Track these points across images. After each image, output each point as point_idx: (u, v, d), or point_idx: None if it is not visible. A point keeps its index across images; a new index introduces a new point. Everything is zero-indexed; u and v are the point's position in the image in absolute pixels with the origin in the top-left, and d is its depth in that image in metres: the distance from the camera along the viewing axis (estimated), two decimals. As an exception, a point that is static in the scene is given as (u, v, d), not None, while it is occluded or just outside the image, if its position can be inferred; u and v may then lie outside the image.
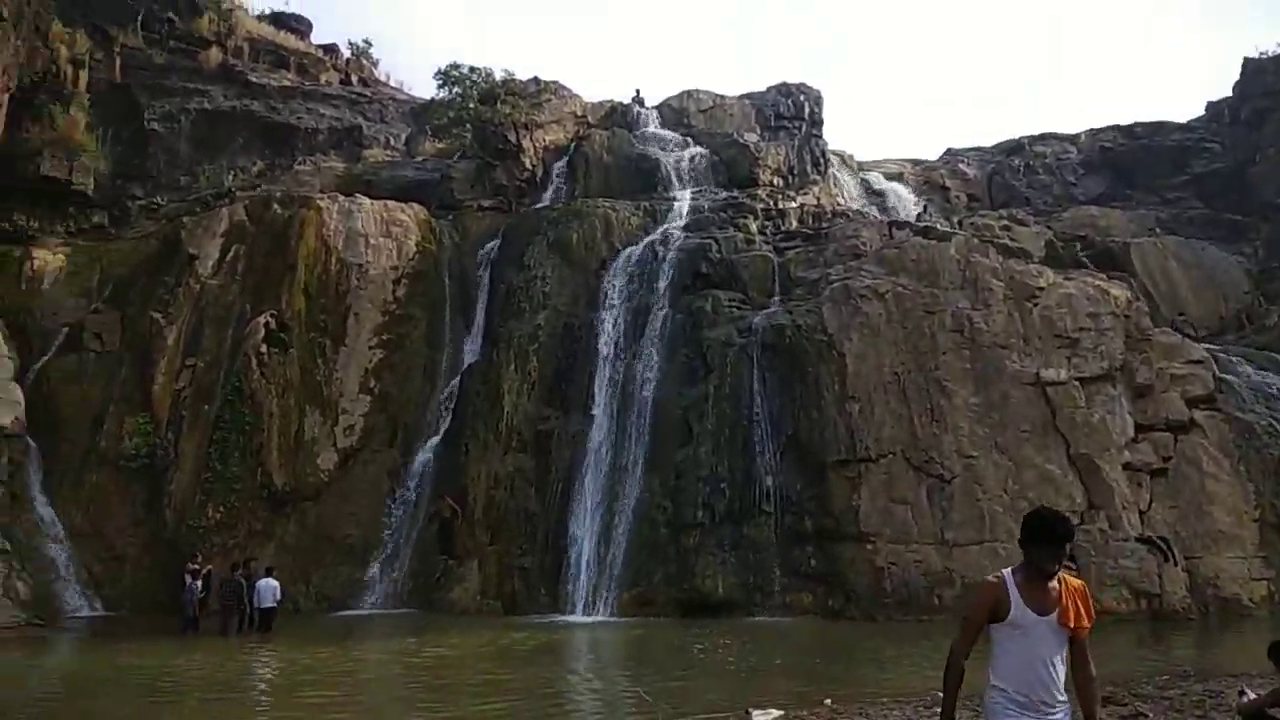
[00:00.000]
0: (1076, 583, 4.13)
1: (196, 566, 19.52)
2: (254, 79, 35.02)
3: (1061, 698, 4.01)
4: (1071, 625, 4.01)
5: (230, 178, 32.57)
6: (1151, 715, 8.90)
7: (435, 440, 24.58)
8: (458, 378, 25.22)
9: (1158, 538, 19.94)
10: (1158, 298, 26.80)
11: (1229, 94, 37.20)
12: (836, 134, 48.74)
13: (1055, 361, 21.54)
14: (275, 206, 27.06)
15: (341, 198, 27.85)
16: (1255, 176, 33.59)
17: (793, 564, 20.01)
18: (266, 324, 24.45)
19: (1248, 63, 36.60)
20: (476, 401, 23.92)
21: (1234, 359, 24.58)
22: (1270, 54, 36.01)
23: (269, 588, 18.53)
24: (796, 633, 18.19)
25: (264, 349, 24.17)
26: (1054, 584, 4.02)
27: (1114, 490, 20.09)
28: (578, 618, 20.14)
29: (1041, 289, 22.59)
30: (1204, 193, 34.48)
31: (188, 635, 18.15)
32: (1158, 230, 30.06)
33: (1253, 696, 7.58)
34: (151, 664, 14.70)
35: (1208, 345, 24.46)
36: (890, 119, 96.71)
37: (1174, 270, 27.58)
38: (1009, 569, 4.14)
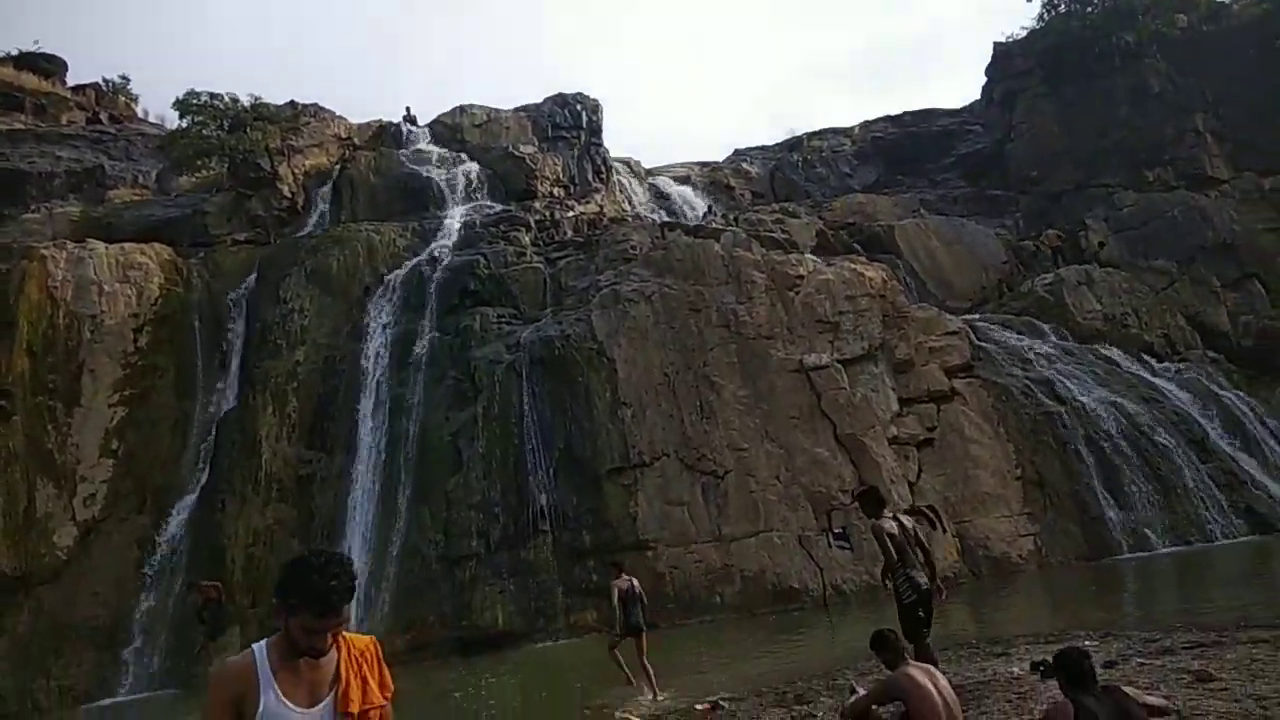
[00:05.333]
0: (363, 641, 3.00)
1: None
2: (-25, 125, 31.54)
3: None
4: (355, 710, 2.89)
5: (-49, 235, 28.97)
6: (821, 715, 8.48)
7: (191, 499, 22.37)
8: (213, 428, 23.13)
9: (925, 506, 20.25)
10: (923, 274, 27.83)
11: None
12: (626, 142, 49.15)
13: (818, 346, 21.79)
14: (-11, 262, 24.13)
15: (71, 244, 25.14)
16: (1011, 154, 35.68)
17: (574, 582, 19.21)
18: (-20, 392, 21.69)
19: (997, 47, 38.72)
20: (233, 452, 21.95)
21: (992, 326, 25.73)
22: (1015, 38, 38.35)
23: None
24: (575, 656, 17.35)
25: (-22, 420, 21.42)
26: (328, 658, 2.89)
27: (881, 465, 20.40)
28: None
29: (801, 277, 22.87)
30: (968, 172, 36.37)
31: None
32: (922, 211, 31.35)
33: (861, 693, 7.08)
34: None
35: (966, 316, 25.48)
36: (683, 126, 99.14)
37: (936, 248, 28.74)
38: (264, 642, 2.91)
